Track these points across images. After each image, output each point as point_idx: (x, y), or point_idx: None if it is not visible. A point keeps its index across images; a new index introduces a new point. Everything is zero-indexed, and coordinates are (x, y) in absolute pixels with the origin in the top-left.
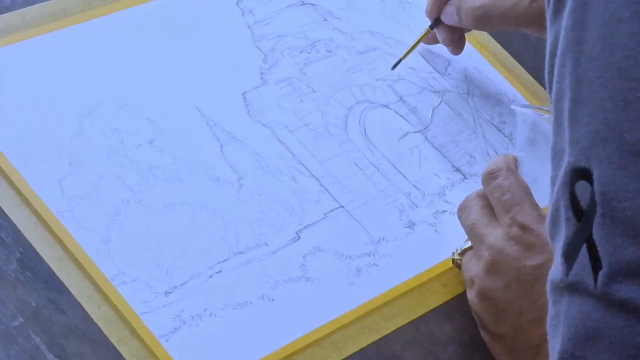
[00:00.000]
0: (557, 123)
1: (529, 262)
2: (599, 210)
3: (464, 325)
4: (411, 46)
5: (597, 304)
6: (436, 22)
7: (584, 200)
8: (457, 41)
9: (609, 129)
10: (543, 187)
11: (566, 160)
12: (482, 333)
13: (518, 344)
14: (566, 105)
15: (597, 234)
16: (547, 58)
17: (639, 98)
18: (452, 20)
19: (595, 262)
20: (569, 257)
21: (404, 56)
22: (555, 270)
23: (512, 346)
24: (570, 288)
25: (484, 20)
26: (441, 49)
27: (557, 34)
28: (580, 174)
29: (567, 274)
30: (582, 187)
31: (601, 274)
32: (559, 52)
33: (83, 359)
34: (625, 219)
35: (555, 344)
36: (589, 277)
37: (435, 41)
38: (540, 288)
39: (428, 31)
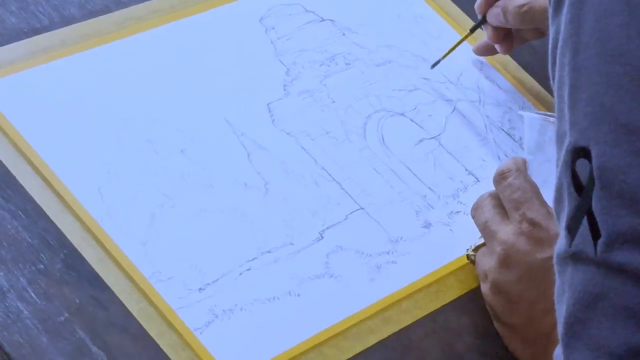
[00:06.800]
0: (559, 109)
1: (539, 255)
2: (597, 184)
3: (478, 317)
4: (452, 46)
5: (597, 270)
6: (481, 22)
7: (584, 177)
8: (502, 39)
9: (605, 111)
10: (551, 187)
11: (567, 141)
12: (496, 324)
13: (530, 333)
14: (566, 91)
15: (596, 206)
16: (549, 51)
17: (630, 82)
18: (498, 21)
19: (595, 232)
20: (572, 229)
21: (444, 56)
22: (560, 243)
23: (524, 335)
24: (574, 257)
25: (529, 16)
26: (455, 60)
27: (558, 28)
28: (580, 152)
29: (570, 245)
30: (582, 165)
31: (600, 242)
32: (559, 44)
33: (125, 351)
34: (621, 192)
35: (561, 311)
36: (589, 246)
37: (485, 52)
38: (549, 280)
39: (469, 34)
